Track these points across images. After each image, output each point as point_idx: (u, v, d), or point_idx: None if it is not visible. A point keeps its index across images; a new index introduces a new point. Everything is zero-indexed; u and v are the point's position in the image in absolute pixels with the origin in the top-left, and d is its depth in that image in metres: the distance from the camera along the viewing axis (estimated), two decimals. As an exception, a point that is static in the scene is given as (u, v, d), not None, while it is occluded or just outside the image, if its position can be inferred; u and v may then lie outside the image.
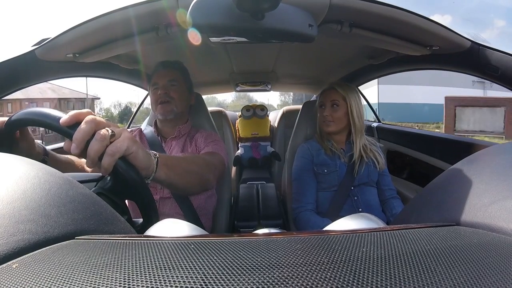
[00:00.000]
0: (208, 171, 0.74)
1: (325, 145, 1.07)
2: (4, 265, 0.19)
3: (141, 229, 0.45)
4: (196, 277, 0.17)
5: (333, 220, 0.36)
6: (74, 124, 0.40)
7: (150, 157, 0.48)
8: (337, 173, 1.02)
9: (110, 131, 0.40)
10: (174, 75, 0.99)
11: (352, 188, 1.02)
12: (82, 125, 0.39)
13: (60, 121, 0.39)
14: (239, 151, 2.17)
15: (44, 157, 0.55)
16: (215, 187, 1.03)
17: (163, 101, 0.94)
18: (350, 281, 0.16)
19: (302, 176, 1.06)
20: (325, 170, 1.03)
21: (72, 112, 0.40)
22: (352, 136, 1.06)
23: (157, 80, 0.97)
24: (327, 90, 1.09)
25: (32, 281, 0.17)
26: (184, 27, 0.66)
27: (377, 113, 1.91)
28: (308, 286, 0.16)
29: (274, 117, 2.40)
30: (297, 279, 0.17)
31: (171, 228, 0.33)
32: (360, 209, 0.99)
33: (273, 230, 0.35)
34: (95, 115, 0.42)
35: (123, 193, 0.44)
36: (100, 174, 0.47)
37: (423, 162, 1.27)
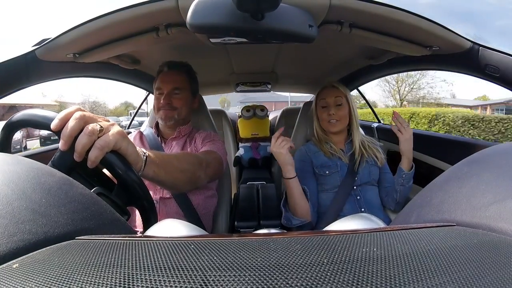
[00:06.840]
0: (199, 168, 0.73)
1: (324, 148, 1.06)
2: (4, 265, 0.19)
3: (116, 192, 0.45)
4: (196, 277, 0.17)
5: (334, 220, 0.36)
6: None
7: (139, 154, 0.48)
8: (338, 173, 1.02)
9: (98, 125, 0.40)
10: (179, 80, 0.96)
11: (355, 187, 1.02)
12: (70, 122, 0.39)
13: (51, 126, 0.39)
14: (239, 151, 2.17)
15: None
16: (215, 187, 1.03)
17: (165, 109, 0.93)
18: (350, 282, 0.16)
19: (303, 178, 1.05)
20: (327, 172, 1.03)
21: (60, 114, 0.40)
22: (352, 134, 1.07)
23: (161, 85, 0.94)
24: (328, 89, 1.07)
25: (32, 281, 0.16)
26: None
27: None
28: (308, 287, 0.16)
29: (274, 118, 2.40)
30: (297, 279, 0.17)
31: (171, 228, 0.33)
32: (362, 209, 0.99)
33: (273, 230, 0.35)
34: (84, 111, 0.42)
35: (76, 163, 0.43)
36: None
37: (423, 162, 1.27)
